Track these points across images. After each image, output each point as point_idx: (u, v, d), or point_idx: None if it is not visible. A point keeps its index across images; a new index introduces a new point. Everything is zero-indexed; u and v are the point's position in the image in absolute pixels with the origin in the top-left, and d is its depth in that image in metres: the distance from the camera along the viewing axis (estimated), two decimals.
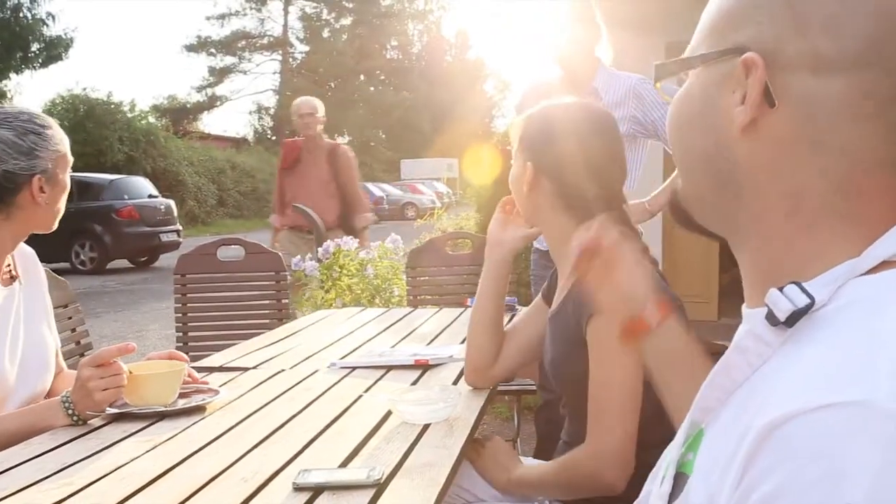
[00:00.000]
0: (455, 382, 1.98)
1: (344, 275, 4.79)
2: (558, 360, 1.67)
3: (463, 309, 3.12)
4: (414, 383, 2.00)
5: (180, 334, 3.63)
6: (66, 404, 1.68)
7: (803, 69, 0.66)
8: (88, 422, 1.71)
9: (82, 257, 14.31)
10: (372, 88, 46.77)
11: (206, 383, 1.96)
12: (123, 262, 14.87)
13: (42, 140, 1.84)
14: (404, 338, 2.64)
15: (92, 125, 23.21)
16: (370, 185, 30.13)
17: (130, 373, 1.78)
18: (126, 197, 14.76)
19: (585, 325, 1.55)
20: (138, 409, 1.76)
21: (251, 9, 45.39)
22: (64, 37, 22.56)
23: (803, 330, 0.63)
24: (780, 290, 0.64)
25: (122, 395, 1.79)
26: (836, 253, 0.66)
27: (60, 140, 1.90)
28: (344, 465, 1.43)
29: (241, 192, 29.81)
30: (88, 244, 14.30)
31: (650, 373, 1.09)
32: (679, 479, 0.70)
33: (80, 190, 14.75)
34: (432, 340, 2.55)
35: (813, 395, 0.55)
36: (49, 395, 1.95)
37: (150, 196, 15.35)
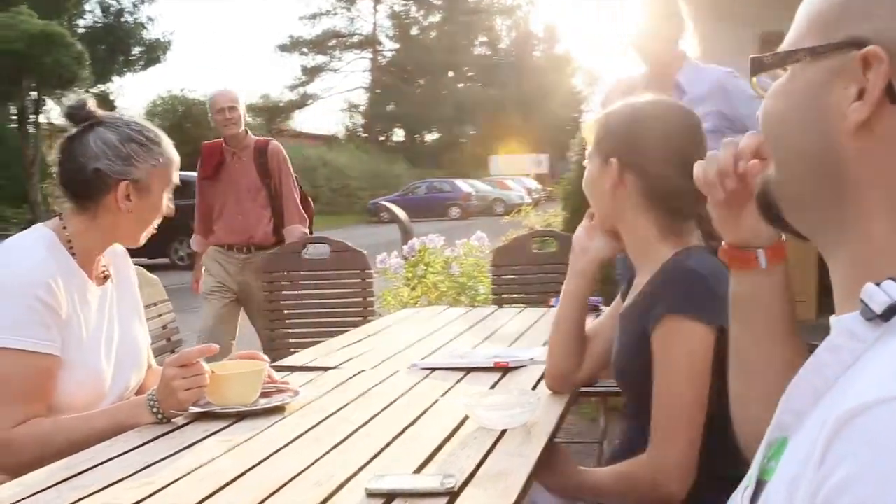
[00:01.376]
0: (535, 386, 1.95)
1: (430, 272, 4.81)
2: (622, 359, 1.63)
3: (546, 309, 3.08)
4: (493, 386, 1.97)
5: (267, 331, 3.70)
6: (152, 402, 1.71)
7: None
8: (172, 420, 1.74)
9: (181, 253, 14.76)
10: (460, 85, 46.92)
11: (287, 383, 1.97)
12: None
13: (143, 150, 1.84)
14: (487, 338, 2.62)
15: (189, 125, 23.92)
16: (458, 181, 30.27)
17: (213, 372, 1.80)
18: None
19: (653, 326, 1.49)
20: (220, 409, 1.79)
21: (341, 8, 46.08)
22: (162, 40, 23.33)
23: None
24: (878, 284, 0.61)
25: (205, 395, 1.82)
26: None
27: (165, 158, 1.88)
28: (418, 470, 1.41)
29: (332, 188, 30.35)
30: (186, 241, 14.73)
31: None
32: (759, 487, 0.67)
33: (178, 188, 15.19)
34: (515, 341, 2.52)
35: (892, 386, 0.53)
36: (140, 391, 2.00)
37: None
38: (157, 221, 1.92)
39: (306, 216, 4.48)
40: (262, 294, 3.90)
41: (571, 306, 1.80)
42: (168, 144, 1.90)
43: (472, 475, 1.37)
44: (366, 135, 43.39)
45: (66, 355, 1.74)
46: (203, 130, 24.01)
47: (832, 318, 0.69)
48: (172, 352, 2.89)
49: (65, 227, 1.84)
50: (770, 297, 1.02)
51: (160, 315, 2.88)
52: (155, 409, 1.70)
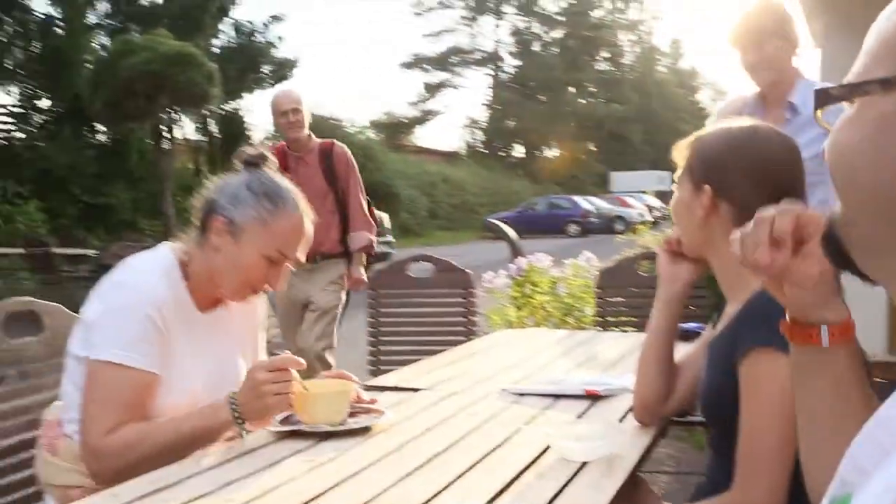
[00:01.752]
0: (624, 416, 1.89)
1: (536, 292, 4.77)
2: (708, 392, 1.56)
3: None
4: (581, 415, 1.93)
5: (372, 348, 3.74)
6: (233, 405, 1.72)
7: None
8: (259, 435, 1.78)
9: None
10: (582, 101, 46.56)
11: (375, 402, 1.98)
12: None
13: (252, 199, 1.82)
14: (583, 363, 2.57)
15: None
16: (578, 198, 29.98)
17: (303, 390, 1.83)
18: None
19: (740, 359, 1.43)
20: (307, 428, 1.81)
21: (464, 25, 46.56)
22: (291, 58, 24.14)
23: None
24: None
25: (293, 413, 1.85)
26: None
27: (273, 219, 1.81)
28: (492, 500, 1.39)
29: (452, 204, 30.63)
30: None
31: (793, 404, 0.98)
32: None
33: None
34: (612, 367, 2.47)
35: None
36: None
37: None
38: (256, 285, 1.85)
39: (373, 222, 4.40)
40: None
41: (659, 335, 1.75)
42: (288, 213, 1.83)
43: None
44: (486, 150, 43.62)
45: (164, 375, 1.79)
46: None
47: None
48: None
49: (185, 252, 1.89)
50: (834, 373, 0.94)
51: (266, 329, 2.94)
52: (236, 413, 1.72)
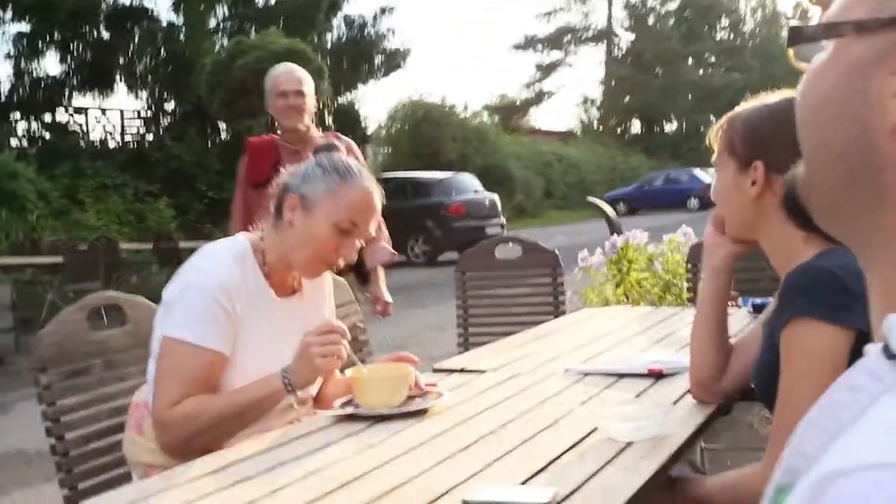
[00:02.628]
0: (683, 395, 1.85)
1: (633, 269, 4.68)
2: (759, 371, 1.51)
3: (736, 309, 2.90)
4: (639, 394, 1.89)
5: (461, 331, 3.77)
6: (285, 374, 1.77)
7: None
8: (315, 418, 1.83)
9: (416, 251, 15.39)
10: (701, 71, 45.06)
11: (435, 385, 2.00)
12: (453, 255, 15.75)
13: (322, 173, 1.89)
14: (659, 340, 2.52)
15: (428, 127, 24.86)
16: (698, 171, 29.11)
17: (360, 372, 1.88)
18: (454, 193, 15.62)
19: (781, 329, 1.37)
20: (364, 411, 1.85)
21: (576, 2, 45.84)
22: (402, 48, 24.34)
23: None
24: None
25: (354, 397, 1.90)
26: None
27: (343, 189, 1.87)
28: (527, 481, 1.39)
29: (567, 183, 30.32)
30: (422, 238, 15.37)
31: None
32: None
33: (414, 189, 15.95)
34: (686, 345, 2.40)
35: (877, 451, 0.46)
36: (317, 400, 2.06)
37: (476, 192, 16.12)
38: (328, 257, 1.89)
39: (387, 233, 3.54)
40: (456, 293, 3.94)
41: (709, 308, 1.70)
42: (357, 184, 1.89)
43: (578, 488, 1.33)
44: (601, 128, 42.89)
45: (235, 358, 1.86)
46: (440, 132, 24.99)
47: (867, 346, 0.61)
48: (359, 351, 3.02)
49: (262, 239, 1.97)
50: None
51: (347, 316, 3.01)
52: (286, 380, 1.77)
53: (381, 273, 3.54)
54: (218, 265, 1.88)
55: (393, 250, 3.43)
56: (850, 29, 0.56)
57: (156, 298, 2.02)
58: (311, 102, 3.49)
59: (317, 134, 3.56)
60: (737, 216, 1.59)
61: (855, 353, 1.31)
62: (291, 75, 3.51)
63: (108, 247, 9.90)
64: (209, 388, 1.83)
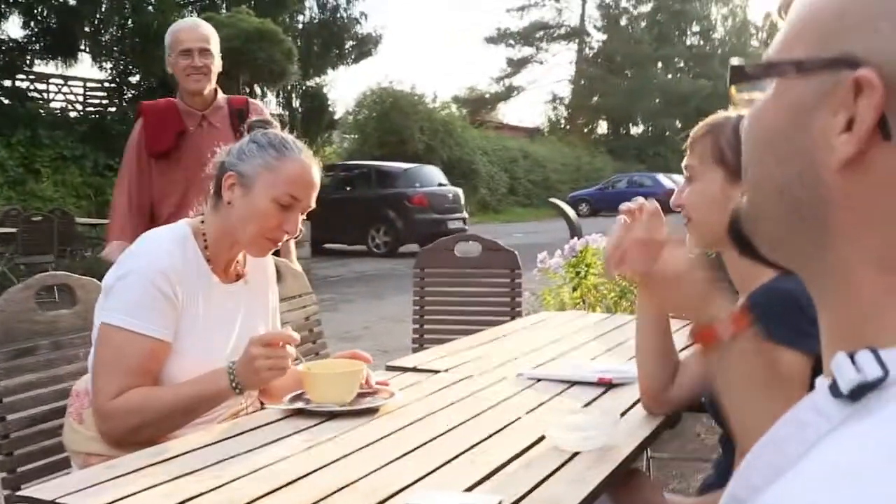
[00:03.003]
0: (633, 406, 1.87)
1: (591, 273, 4.71)
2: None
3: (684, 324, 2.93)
4: (588, 403, 1.91)
5: (416, 326, 3.77)
6: (231, 374, 1.75)
7: None
8: (265, 412, 1.82)
9: (377, 241, 15.34)
10: (669, 76, 45.46)
11: (386, 384, 2.00)
12: (414, 247, 15.74)
13: (257, 149, 1.87)
14: (612, 349, 2.54)
15: (396, 115, 24.76)
16: (661, 177, 29.42)
17: (309, 370, 1.87)
18: (418, 185, 15.60)
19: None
20: (314, 407, 1.84)
21: None
22: (374, 34, 24.21)
23: (869, 408, 0.50)
24: (851, 356, 0.52)
25: (303, 391, 1.89)
26: None
27: (279, 163, 1.86)
28: (471, 488, 1.40)
29: (531, 181, 30.44)
30: (383, 229, 15.33)
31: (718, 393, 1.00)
32: None
33: (378, 178, 15.90)
34: None
35: (814, 493, 0.46)
36: (263, 391, 2.05)
37: (440, 184, 16.10)
38: (272, 233, 1.87)
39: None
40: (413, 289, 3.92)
41: (650, 320, 1.71)
42: (294, 158, 1.88)
43: (522, 497, 1.34)
44: (568, 127, 43.11)
45: (178, 344, 1.84)
46: (408, 121, 24.90)
47: (818, 379, 0.61)
48: (314, 342, 3.01)
49: (202, 223, 1.95)
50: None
51: (304, 307, 2.99)
52: (234, 382, 1.75)
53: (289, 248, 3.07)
54: (156, 249, 1.86)
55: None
56: (791, 69, 0.57)
57: None
58: (217, 62, 3.17)
59: (222, 98, 3.23)
60: (712, 226, 1.57)
61: (814, 378, 1.33)
62: (196, 31, 3.15)
63: (62, 220, 9.74)
64: (150, 376, 1.81)
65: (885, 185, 0.53)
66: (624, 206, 1.41)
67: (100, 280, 1.95)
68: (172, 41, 3.14)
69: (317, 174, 1.94)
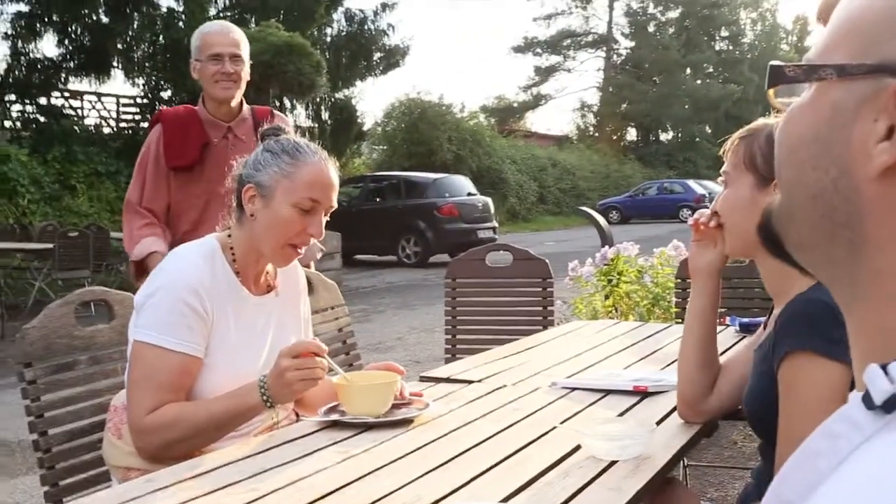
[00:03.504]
0: (669, 414, 1.85)
1: (623, 281, 4.69)
2: (751, 398, 1.52)
3: (723, 328, 2.91)
4: (624, 412, 1.90)
5: (449, 336, 3.77)
6: (263, 388, 1.75)
7: None
8: (301, 425, 1.83)
9: (408, 251, 15.37)
10: (698, 82, 45.16)
11: (420, 395, 2.00)
12: (444, 257, 15.74)
13: (272, 158, 1.88)
14: (646, 357, 2.52)
15: (424, 126, 24.85)
16: (691, 182, 29.21)
17: (346, 380, 1.87)
18: (447, 195, 15.62)
19: (779, 364, 1.38)
20: (349, 419, 1.85)
21: (577, 7, 45.88)
22: (401, 45, 24.29)
23: None
24: (884, 367, 0.51)
25: (339, 403, 1.90)
26: None
27: (294, 169, 1.86)
28: (508, 498, 1.39)
29: (560, 189, 30.38)
30: (413, 239, 15.36)
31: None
32: None
33: (408, 188, 15.95)
34: (672, 362, 2.41)
35: None
36: (298, 403, 2.05)
37: (469, 194, 16.11)
38: (296, 238, 1.87)
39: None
40: (445, 299, 3.91)
41: (695, 329, 1.71)
42: (309, 161, 1.88)
43: None
44: (597, 134, 42.96)
45: (210, 358, 1.85)
46: (436, 131, 24.98)
47: (851, 393, 0.61)
48: (347, 354, 3.02)
49: (229, 237, 1.96)
50: None
51: (336, 318, 3.01)
52: (265, 396, 1.76)
53: (312, 267, 2.92)
54: (185, 265, 1.87)
55: (321, 246, 2.67)
56: (832, 73, 0.56)
57: None
58: (247, 70, 2.95)
59: (247, 109, 3.04)
60: (743, 231, 1.58)
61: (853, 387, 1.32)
62: (228, 35, 2.91)
63: (98, 235, 9.86)
64: (183, 391, 1.82)
65: None
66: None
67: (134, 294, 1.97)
68: (201, 44, 2.92)
69: (334, 174, 1.94)
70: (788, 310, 1.43)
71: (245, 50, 2.95)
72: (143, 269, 2.81)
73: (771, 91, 0.64)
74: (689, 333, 1.73)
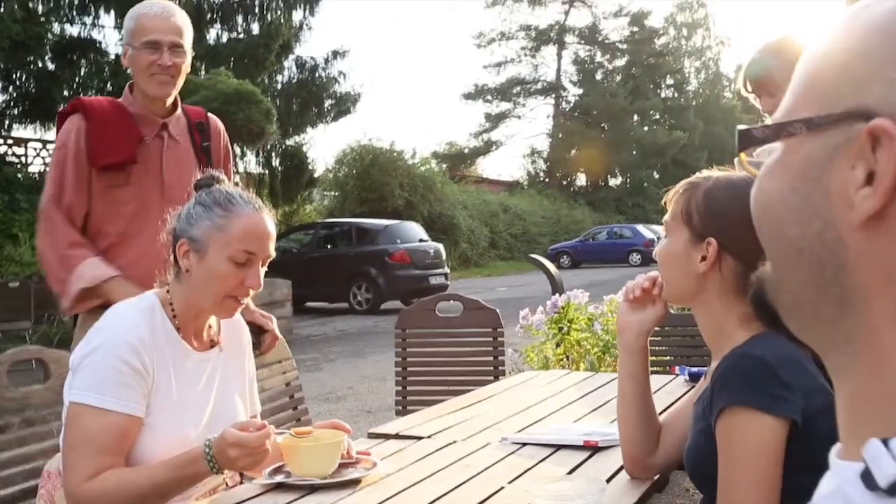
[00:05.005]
0: (619, 470, 1.83)
1: (574, 329, 4.70)
2: (690, 451, 1.51)
3: (672, 377, 2.92)
4: (574, 469, 1.87)
5: (399, 388, 3.72)
6: (208, 455, 1.67)
7: None
8: (245, 487, 1.77)
9: (359, 298, 15.27)
10: (645, 128, 46.11)
11: (368, 454, 1.96)
12: (396, 303, 15.67)
13: (203, 211, 1.82)
14: (596, 409, 2.51)
15: (376, 172, 24.88)
16: (640, 227, 29.62)
17: (291, 442, 1.82)
18: (399, 241, 15.60)
19: (717, 418, 1.37)
20: (294, 480, 1.80)
21: (526, 55, 46.66)
22: (352, 92, 24.39)
23: None
24: (885, 442, 0.48)
25: (285, 463, 1.85)
26: None
27: (227, 222, 1.80)
28: None
29: (512, 234, 30.57)
30: (365, 286, 15.28)
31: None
32: None
33: (359, 235, 15.91)
34: None
35: None
36: None
37: (421, 240, 16.12)
38: (235, 291, 1.81)
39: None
40: (395, 350, 3.90)
41: (629, 389, 1.70)
42: (242, 213, 1.82)
43: None
44: (547, 180, 43.46)
45: (150, 417, 1.78)
46: (388, 177, 25.03)
47: (832, 456, 0.56)
48: (294, 409, 2.96)
49: (168, 292, 1.91)
50: None
51: (284, 372, 2.95)
52: (211, 463, 1.68)
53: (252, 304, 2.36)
54: (122, 322, 1.80)
55: (277, 333, 2.57)
56: (801, 127, 0.55)
57: None
58: (188, 63, 2.55)
59: (178, 107, 2.63)
60: (679, 283, 1.59)
61: (789, 442, 1.32)
62: (168, 21, 2.49)
63: (40, 285, 9.62)
64: (123, 454, 1.74)
65: None
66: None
67: None
68: (136, 27, 2.48)
69: (269, 223, 1.88)
70: (724, 364, 1.43)
71: (188, 38, 2.55)
72: (93, 297, 2.40)
73: (742, 155, 0.63)
74: (624, 396, 1.73)
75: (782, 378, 1.32)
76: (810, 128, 0.55)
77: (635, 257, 27.64)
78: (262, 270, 1.87)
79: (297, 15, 22.21)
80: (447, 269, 16.19)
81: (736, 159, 0.66)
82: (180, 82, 2.55)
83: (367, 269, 15.07)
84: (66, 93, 19.67)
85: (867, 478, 0.48)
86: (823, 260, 0.54)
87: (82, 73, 20.10)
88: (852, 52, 0.54)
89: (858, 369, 0.55)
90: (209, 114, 2.74)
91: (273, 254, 1.89)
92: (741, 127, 0.61)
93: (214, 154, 2.67)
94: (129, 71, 2.57)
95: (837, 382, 0.58)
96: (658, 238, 29.23)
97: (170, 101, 2.59)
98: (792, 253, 0.57)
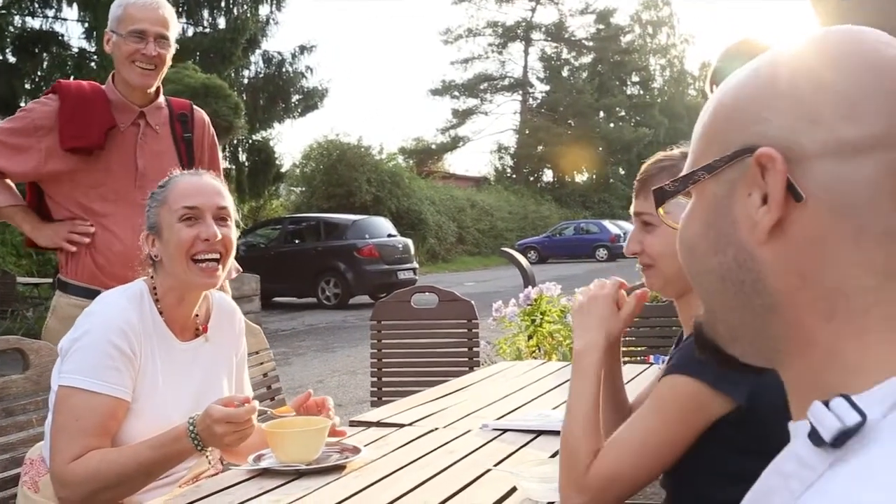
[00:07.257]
0: None
1: (546, 321, 4.74)
2: None
3: (647, 366, 2.96)
4: (555, 454, 1.90)
5: (374, 379, 3.74)
6: (192, 432, 1.69)
7: (826, 157, 0.58)
8: (230, 473, 1.78)
9: (327, 293, 15.23)
10: (611, 125, 46.41)
11: (343, 434, 1.98)
12: (364, 298, 15.64)
13: (151, 201, 1.92)
14: None
15: (343, 168, 24.81)
16: (607, 223, 29.84)
17: (276, 418, 1.83)
18: (367, 236, 15.58)
19: (660, 380, 1.40)
20: (279, 466, 1.81)
21: (493, 52, 46.74)
22: (320, 88, 24.27)
23: (854, 452, 0.53)
24: (826, 403, 0.55)
25: (268, 449, 1.86)
26: (891, 359, 0.56)
27: (166, 193, 1.88)
28: None
29: (479, 229, 30.64)
30: (333, 281, 15.23)
31: None
32: None
33: (327, 230, 15.86)
34: None
35: None
36: (226, 451, 1.99)
37: (389, 235, 16.11)
38: (196, 248, 1.84)
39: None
40: (371, 342, 3.91)
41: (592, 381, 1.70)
42: (178, 180, 1.91)
43: None
44: (514, 176, 43.60)
45: (136, 403, 1.80)
46: (355, 173, 24.96)
47: (791, 424, 0.62)
48: (272, 399, 2.96)
49: (153, 279, 1.92)
50: None
51: (261, 363, 2.96)
52: (196, 441, 1.69)
53: (228, 287, 2.54)
54: (111, 307, 1.84)
55: (237, 265, 2.43)
56: (703, 173, 0.65)
57: None
58: (171, 53, 2.55)
59: (163, 97, 2.65)
60: (675, 273, 1.55)
61: (732, 425, 1.33)
62: (155, 11, 2.50)
63: (2, 280, 9.50)
64: (109, 437, 1.76)
65: (808, 241, 0.59)
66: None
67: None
68: (122, 15, 2.50)
69: (210, 179, 1.94)
70: (684, 344, 1.46)
71: (174, 30, 2.57)
72: None
73: (661, 211, 0.74)
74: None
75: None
76: (711, 172, 0.64)
77: (601, 252, 27.85)
78: (229, 230, 1.90)
79: (264, 9, 22.01)
80: (416, 265, 16.19)
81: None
82: (163, 73, 2.57)
83: (336, 264, 15.03)
84: (27, 86, 19.38)
85: (814, 436, 0.54)
86: (742, 278, 0.63)
87: (44, 67, 19.79)
88: (737, 100, 0.64)
89: (793, 357, 0.62)
90: (195, 106, 2.76)
91: (226, 205, 1.92)
92: (654, 187, 0.71)
93: (197, 146, 2.69)
94: (112, 58, 2.58)
95: (785, 379, 0.65)
96: (624, 233, 29.47)
97: (151, 90, 2.59)
98: (716, 283, 0.65)
